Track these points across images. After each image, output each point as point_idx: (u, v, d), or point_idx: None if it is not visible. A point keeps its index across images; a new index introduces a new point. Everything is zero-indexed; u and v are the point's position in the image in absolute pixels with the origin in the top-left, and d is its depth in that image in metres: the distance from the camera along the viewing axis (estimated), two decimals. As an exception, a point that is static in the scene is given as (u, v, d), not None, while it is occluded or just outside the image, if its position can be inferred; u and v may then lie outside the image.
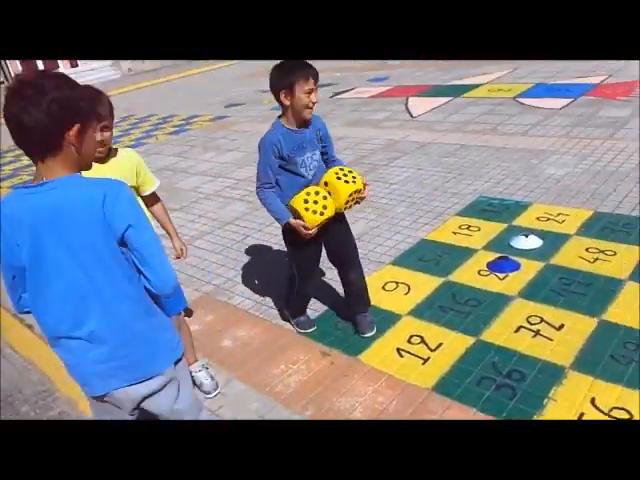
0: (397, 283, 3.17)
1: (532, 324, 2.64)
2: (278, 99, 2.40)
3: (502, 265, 3.16)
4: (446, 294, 3.00)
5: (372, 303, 2.87)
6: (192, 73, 16.29)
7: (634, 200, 3.75)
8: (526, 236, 3.40)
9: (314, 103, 2.38)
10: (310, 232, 2.42)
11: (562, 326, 2.59)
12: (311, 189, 2.42)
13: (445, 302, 2.92)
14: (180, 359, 1.64)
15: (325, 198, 2.40)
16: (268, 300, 3.27)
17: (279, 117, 2.50)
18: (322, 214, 2.39)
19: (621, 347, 2.40)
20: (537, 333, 2.57)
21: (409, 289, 3.09)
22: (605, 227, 3.45)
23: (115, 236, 1.39)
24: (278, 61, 2.39)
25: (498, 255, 3.28)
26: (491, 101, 7.17)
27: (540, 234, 3.44)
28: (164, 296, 1.54)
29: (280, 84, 2.36)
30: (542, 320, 2.66)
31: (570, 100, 6.58)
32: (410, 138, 6.11)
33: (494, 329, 2.65)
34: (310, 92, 2.34)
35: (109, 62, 20.90)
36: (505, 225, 3.68)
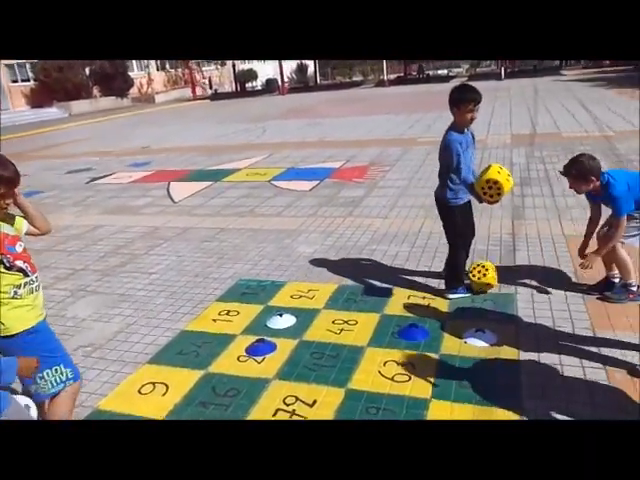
0: (154, 384, 2.98)
1: (288, 405, 2.71)
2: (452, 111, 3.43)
3: (259, 348, 3.22)
4: (206, 388, 2.91)
5: (126, 412, 2.72)
6: None
7: (368, 271, 4.25)
8: (280, 315, 3.56)
9: (474, 119, 3.40)
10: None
11: (315, 402, 2.71)
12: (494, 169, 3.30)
13: (206, 397, 2.83)
14: None
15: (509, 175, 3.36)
16: None
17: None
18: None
19: (365, 413, 2.59)
20: (293, 413, 2.64)
21: (167, 389, 2.93)
22: (348, 298, 3.81)
23: None
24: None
25: (256, 338, 3.35)
26: (249, 184, 7.61)
27: (294, 312, 3.64)
28: None
29: (453, 102, 3.39)
30: (297, 399, 2.74)
31: (317, 182, 7.34)
32: (171, 224, 6.06)
33: (252, 418, 2.64)
34: (471, 111, 3.34)
35: None
36: (262, 307, 3.80)
